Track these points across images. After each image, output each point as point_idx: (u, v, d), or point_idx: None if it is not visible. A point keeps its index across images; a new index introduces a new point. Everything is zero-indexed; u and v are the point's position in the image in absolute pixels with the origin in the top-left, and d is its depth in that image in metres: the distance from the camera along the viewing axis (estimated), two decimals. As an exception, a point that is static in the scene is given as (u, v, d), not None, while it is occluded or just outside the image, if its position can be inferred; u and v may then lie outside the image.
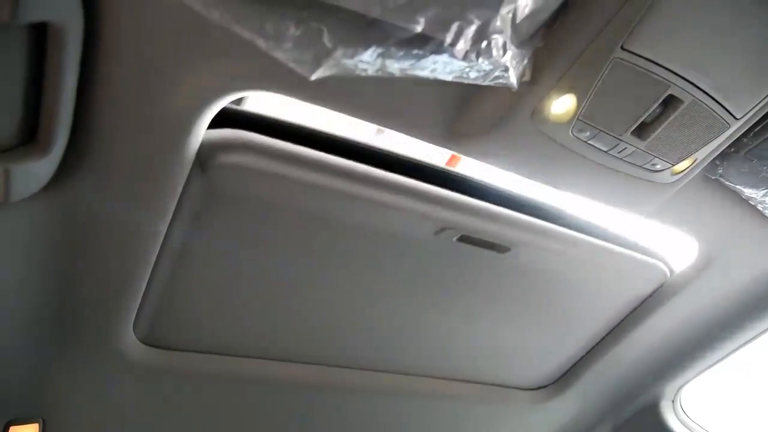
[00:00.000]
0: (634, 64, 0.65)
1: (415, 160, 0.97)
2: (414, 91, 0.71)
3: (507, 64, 0.57)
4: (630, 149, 0.75)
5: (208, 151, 0.78)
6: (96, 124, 0.68)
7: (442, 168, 1.01)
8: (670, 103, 0.70)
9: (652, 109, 0.70)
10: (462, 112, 0.73)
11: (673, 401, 1.54)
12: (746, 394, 2.23)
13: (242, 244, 0.94)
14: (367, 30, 0.50)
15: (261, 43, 0.50)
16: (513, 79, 0.60)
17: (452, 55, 0.54)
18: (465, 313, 1.20)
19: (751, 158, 0.84)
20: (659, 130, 0.73)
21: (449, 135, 0.77)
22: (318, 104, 0.72)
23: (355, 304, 1.11)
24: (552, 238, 1.06)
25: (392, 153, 0.95)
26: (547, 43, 0.63)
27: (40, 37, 0.55)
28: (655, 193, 0.86)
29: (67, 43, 0.56)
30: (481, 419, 1.50)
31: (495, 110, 0.71)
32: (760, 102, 0.71)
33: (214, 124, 0.77)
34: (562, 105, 0.69)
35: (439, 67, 0.55)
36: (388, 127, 0.77)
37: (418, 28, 0.50)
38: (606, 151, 0.76)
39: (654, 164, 0.79)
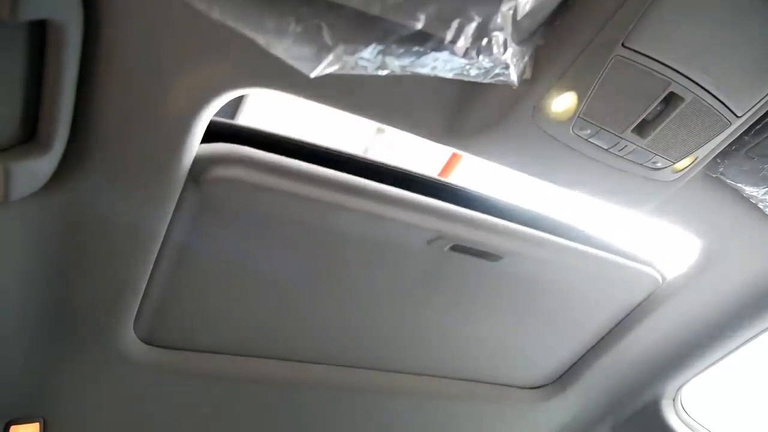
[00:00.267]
0: (635, 62, 0.64)
1: (408, 171, 0.99)
2: (414, 88, 0.71)
3: (508, 61, 0.57)
4: (631, 147, 0.75)
5: (201, 165, 0.79)
6: (96, 123, 0.67)
7: (434, 178, 1.02)
8: (670, 100, 0.70)
9: (652, 107, 0.70)
10: (462, 109, 0.73)
11: (673, 400, 1.54)
12: (747, 393, 2.23)
13: (242, 244, 0.94)
14: (367, 27, 0.50)
15: (261, 40, 0.50)
16: (514, 76, 0.60)
17: (453, 53, 0.54)
18: (461, 316, 1.20)
19: (752, 156, 0.84)
20: (660, 128, 0.72)
21: (449, 133, 0.76)
22: (318, 102, 0.71)
23: (355, 306, 1.11)
24: (544, 247, 1.07)
25: (384, 164, 0.97)
26: (548, 40, 0.63)
27: (40, 35, 0.55)
28: (656, 191, 0.85)
29: (67, 41, 0.55)
30: (482, 418, 1.50)
31: (496, 108, 0.71)
32: (761, 100, 0.71)
33: (208, 138, 0.78)
34: (563, 103, 0.69)
35: (440, 64, 0.55)
36: (389, 125, 0.77)
37: (419, 26, 0.50)
38: (607, 149, 0.75)
39: (655, 162, 0.79)
